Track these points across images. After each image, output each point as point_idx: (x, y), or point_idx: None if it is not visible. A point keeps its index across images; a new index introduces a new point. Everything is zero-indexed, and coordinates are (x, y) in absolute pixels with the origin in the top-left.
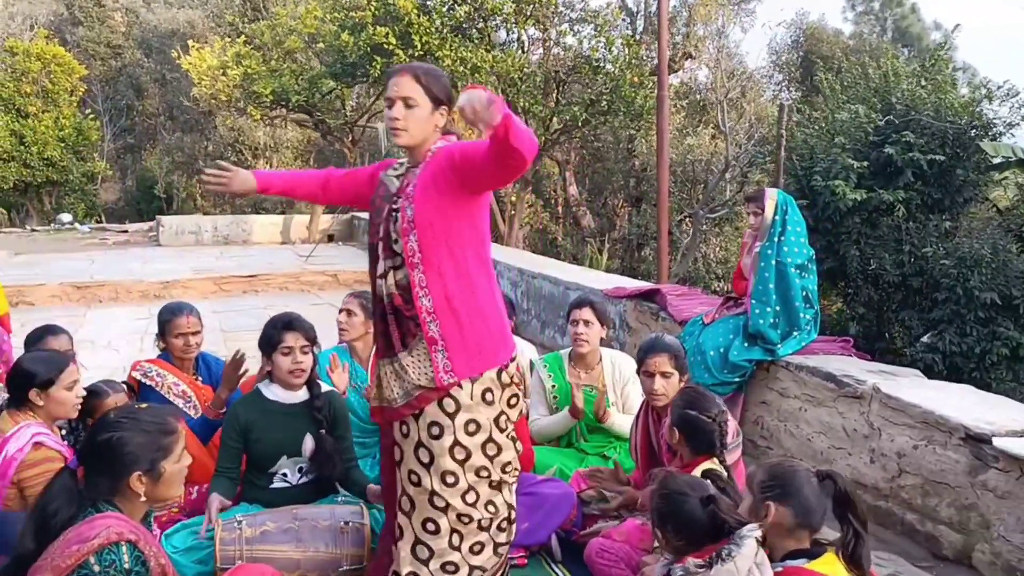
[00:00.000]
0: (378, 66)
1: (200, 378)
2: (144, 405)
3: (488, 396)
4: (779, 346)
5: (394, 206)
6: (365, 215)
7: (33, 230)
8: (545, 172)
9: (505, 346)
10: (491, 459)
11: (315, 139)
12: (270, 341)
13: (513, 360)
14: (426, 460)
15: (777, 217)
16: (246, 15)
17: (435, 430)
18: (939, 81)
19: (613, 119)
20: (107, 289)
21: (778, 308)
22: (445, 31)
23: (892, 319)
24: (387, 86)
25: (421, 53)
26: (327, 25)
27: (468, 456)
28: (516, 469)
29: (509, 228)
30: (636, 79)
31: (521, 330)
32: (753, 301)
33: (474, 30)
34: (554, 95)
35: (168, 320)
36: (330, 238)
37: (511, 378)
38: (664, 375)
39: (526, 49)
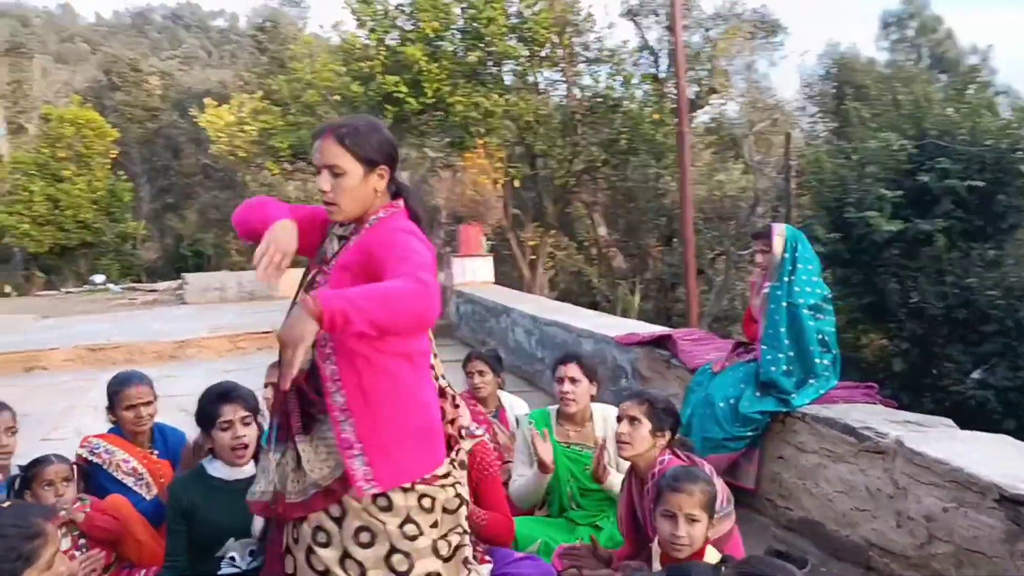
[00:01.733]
0: (389, 115)
1: (156, 452)
2: (7, 504)
3: (381, 501)
4: (794, 395)
5: (318, 277)
6: None
7: (67, 292)
8: (576, 214)
9: (433, 450)
10: (444, 560)
11: None
12: (206, 415)
13: (450, 458)
14: (320, 568)
15: (787, 255)
16: (272, 72)
17: (321, 536)
18: (974, 105)
19: (634, 158)
20: (122, 351)
21: (791, 353)
22: (457, 77)
23: (939, 354)
24: (312, 149)
25: (432, 100)
26: (343, 78)
27: (363, 572)
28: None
29: (532, 272)
30: (657, 116)
31: (536, 380)
32: (764, 347)
33: (487, 75)
34: (572, 137)
35: (117, 391)
36: None
37: (422, 482)
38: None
39: (541, 91)
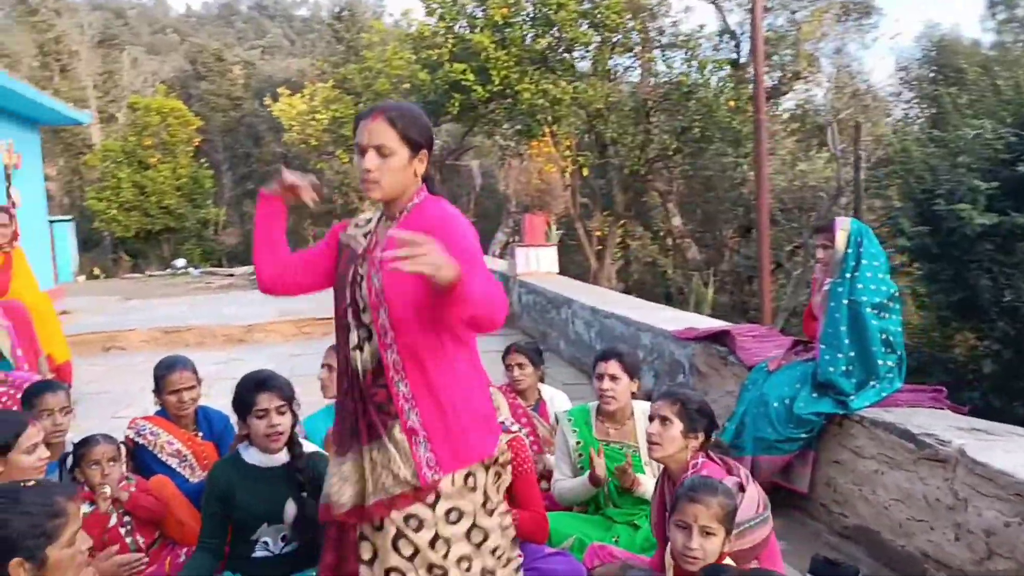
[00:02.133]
0: (456, 103)
1: (200, 434)
2: (31, 482)
3: (470, 482)
4: (853, 397)
5: (360, 270)
6: None
7: (150, 275)
8: (651, 203)
9: (492, 432)
10: (477, 546)
11: None
12: (243, 403)
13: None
14: (408, 553)
15: (850, 250)
16: (348, 60)
17: (413, 522)
18: None
19: (708, 146)
20: (193, 333)
21: (852, 354)
22: (525, 64)
23: None
24: (357, 130)
25: (500, 87)
26: (412, 66)
27: (449, 548)
28: (507, 555)
29: (599, 263)
30: (733, 103)
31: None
32: (823, 346)
33: (554, 61)
34: (644, 124)
35: (162, 376)
36: None
37: (494, 460)
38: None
39: (613, 78)
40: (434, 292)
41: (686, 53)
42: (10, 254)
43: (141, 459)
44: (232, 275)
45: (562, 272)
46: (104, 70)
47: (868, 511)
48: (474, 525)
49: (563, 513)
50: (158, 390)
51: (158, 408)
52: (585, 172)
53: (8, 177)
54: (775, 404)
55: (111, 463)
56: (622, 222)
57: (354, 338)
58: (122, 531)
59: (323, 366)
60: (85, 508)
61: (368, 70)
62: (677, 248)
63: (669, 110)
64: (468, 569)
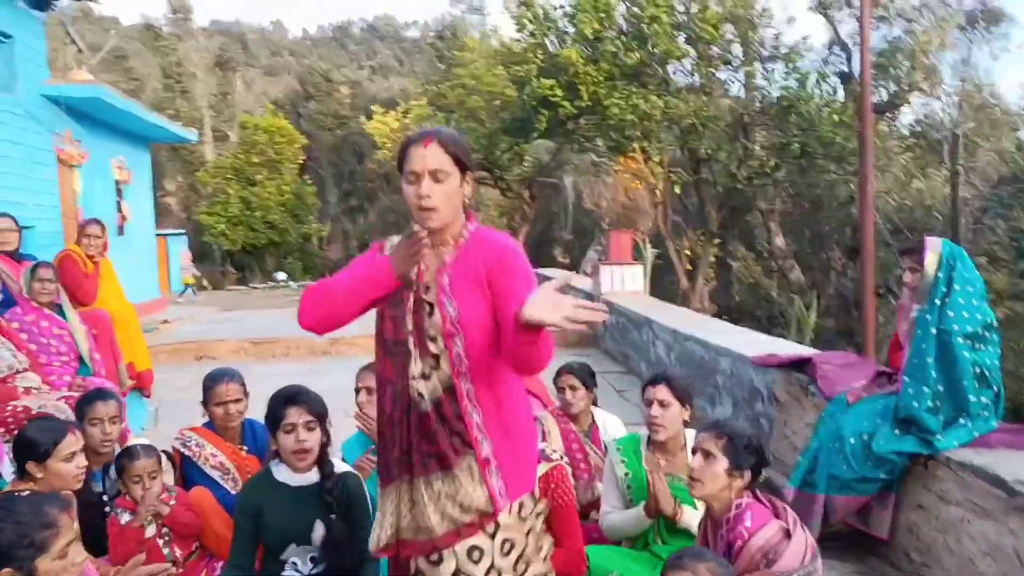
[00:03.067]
0: (544, 120)
1: (245, 448)
2: (27, 492)
3: (522, 512)
4: (939, 436)
5: (425, 296)
6: (550, 271)
7: (253, 287)
8: (754, 222)
9: (538, 460)
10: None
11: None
12: (273, 417)
13: None
14: None
15: (941, 274)
16: (448, 78)
17: (475, 554)
18: None
19: (807, 163)
20: (280, 345)
21: (939, 388)
22: (616, 79)
23: None
24: (408, 156)
25: (588, 103)
26: (503, 82)
27: (528, 567)
28: None
29: (691, 283)
30: (837, 117)
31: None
32: (906, 378)
33: (646, 75)
34: (741, 140)
35: (209, 387)
36: None
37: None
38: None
39: (708, 92)
40: (516, 328)
41: (787, 66)
42: (99, 264)
43: (186, 470)
44: None
45: (653, 293)
46: (219, 91)
47: (952, 563)
48: (520, 557)
49: (606, 547)
50: (205, 402)
51: (206, 420)
52: (678, 189)
53: (120, 192)
54: (851, 440)
55: (151, 477)
56: (716, 241)
57: (417, 367)
58: (160, 542)
59: (360, 389)
60: (126, 517)
61: (462, 87)
62: (779, 269)
63: (768, 125)
64: None
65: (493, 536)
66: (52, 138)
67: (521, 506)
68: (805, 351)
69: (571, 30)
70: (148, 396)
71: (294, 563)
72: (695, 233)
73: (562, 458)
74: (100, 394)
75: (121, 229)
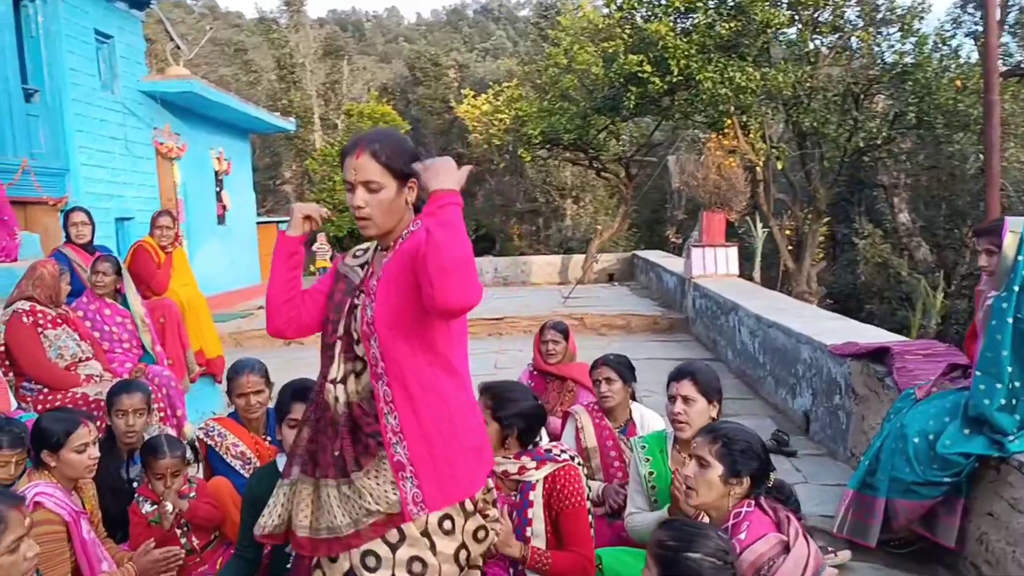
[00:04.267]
0: (633, 97)
1: (268, 438)
2: None
3: (446, 524)
4: (1012, 438)
5: (355, 300)
6: (648, 254)
7: None
8: (881, 197)
9: (482, 467)
10: None
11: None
12: (279, 410)
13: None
14: None
15: (1021, 257)
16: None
17: (370, 560)
18: None
19: (928, 133)
20: None
21: (1016, 384)
22: (710, 51)
23: None
24: (343, 166)
25: (679, 78)
26: (590, 60)
27: None
28: None
29: (797, 265)
30: (959, 83)
31: (758, 388)
32: (978, 373)
33: (743, 46)
34: (852, 111)
35: (231, 379)
36: (610, 277)
37: (475, 504)
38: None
39: (814, 61)
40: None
41: (904, 29)
42: (171, 254)
43: (211, 458)
44: None
45: (763, 276)
46: (328, 80)
47: None
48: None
49: (623, 550)
50: (229, 392)
51: (231, 409)
52: (780, 165)
53: (220, 182)
54: (915, 439)
55: (175, 475)
56: (826, 220)
57: (338, 370)
58: (178, 532)
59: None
60: (147, 507)
61: (555, 66)
62: (905, 247)
63: (879, 94)
64: None
65: (395, 547)
66: (151, 132)
67: (445, 518)
68: (889, 339)
69: (661, 2)
70: (219, 382)
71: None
72: (802, 212)
73: (572, 458)
74: (126, 386)
75: (221, 218)
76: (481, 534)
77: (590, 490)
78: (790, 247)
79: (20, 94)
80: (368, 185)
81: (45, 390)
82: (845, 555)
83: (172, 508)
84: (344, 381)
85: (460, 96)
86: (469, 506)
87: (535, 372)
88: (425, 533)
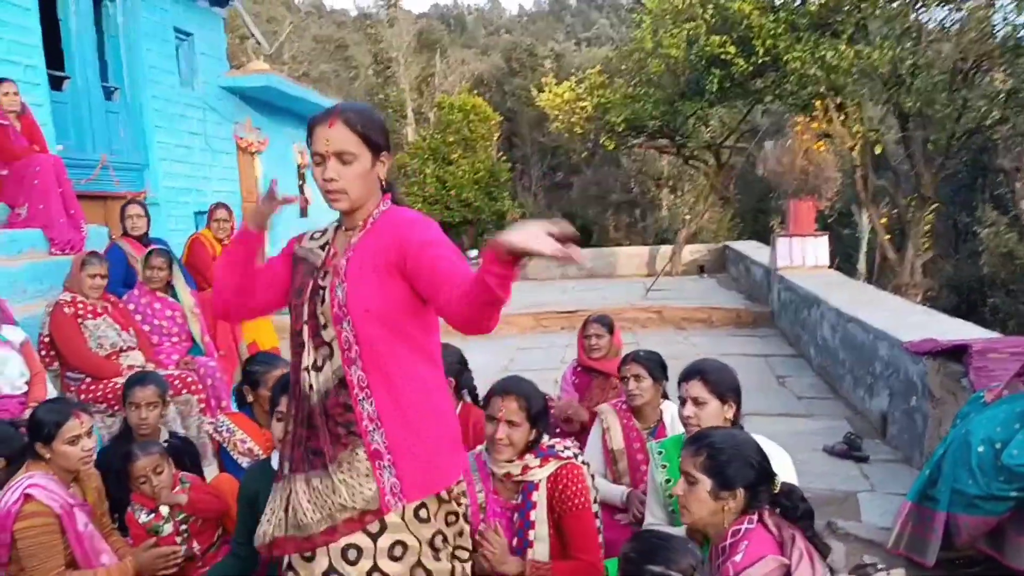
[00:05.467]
0: (715, 80)
1: None
2: None
3: (422, 513)
4: None
5: (320, 282)
6: (740, 245)
7: None
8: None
9: (458, 459)
10: None
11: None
12: (272, 403)
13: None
14: None
15: None
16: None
17: (352, 553)
18: None
19: None
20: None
21: None
22: (799, 29)
23: None
24: (313, 137)
25: (765, 59)
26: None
27: None
28: None
29: (899, 255)
30: None
31: (837, 387)
32: None
33: (836, 23)
34: (960, 90)
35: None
36: (701, 269)
37: (449, 493)
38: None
39: (917, 37)
40: (490, 263)
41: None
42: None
43: (221, 455)
44: None
45: (869, 269)
46: (423, 74)
47: None
48: (419, 564)
49: None
50: (252, 385)
51: (251, 401)
52: (879, 149)
53: (302, 176)
54: (979, 448)
55: (157, 472)
56: (932, 206)
57: (310, 358)
58: (178, 539)
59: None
60: (143, 516)
61: (640, 50)
62: None
63: (995, 70)
64: None
65: (376, 536)
66: (232, 127)
67: (421, 507)
68: (976, 335)
69: None
70: None
71: None
72: (905, 199)
73: (576, 456)
74: (140, 379)
75: (304, 211)
76: (451, 518)
77: (597, 491)
78: (889, 236)
79: (100, 92)
80: (342, 156)
81: (88, 379)
82: (898, 574)
83: (168, 509)
84: (318, 368)
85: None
86: (444, 495)
87: (579, 368)
88: (405, 520)
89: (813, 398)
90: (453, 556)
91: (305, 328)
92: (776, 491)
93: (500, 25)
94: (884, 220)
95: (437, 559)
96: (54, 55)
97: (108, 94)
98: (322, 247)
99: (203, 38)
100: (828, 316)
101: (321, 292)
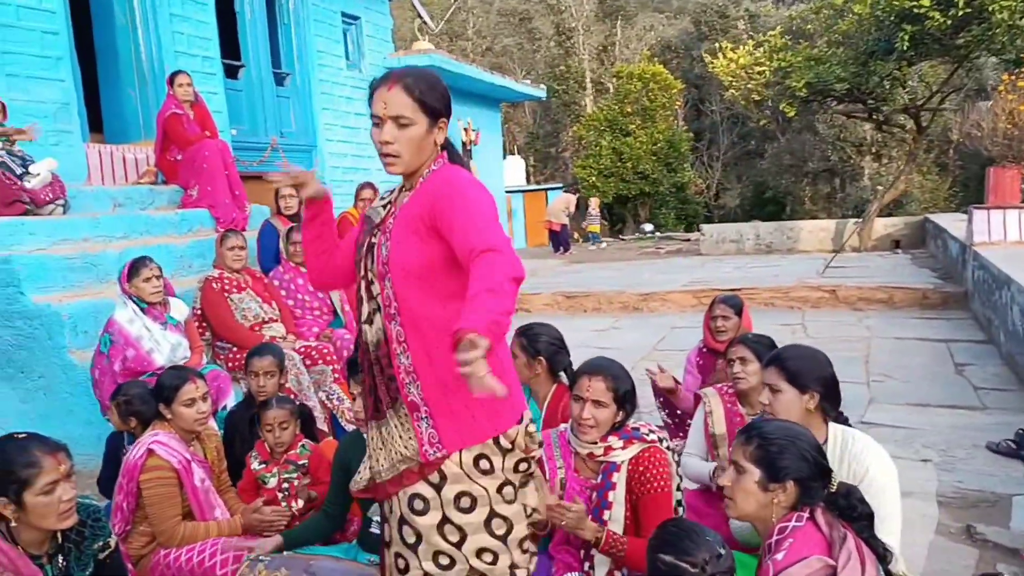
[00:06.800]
0: (906, 37)
1: None
2: (22, 435)
3: (483, 464)
4: None
5: (373, 240)
6: (940, 217)
7: (620, 239)
8: None
9: (511, 408)
10: (501, 539)
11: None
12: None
13: (521, 422)
14: (412, 540)
15: None
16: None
17: (418, 504)
18: None
19: None
20: (591, 300)
21: None
22: None
23: None
24: (373, 99)
25: (966, 11)
26: None
27: (464, 537)
28: (532, 550)
29: None
30: None
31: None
32: None
33: None
34: None
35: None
36: (896, 244)
37: (512, 442)
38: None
39: None
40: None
41: None
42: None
43: (333, 422)
44: (688, 240)
45: None
46: (605, 43)
47: None
48: (493, 514)
49: None
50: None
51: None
52: None
53: (468, 152)
54: None
55: (283, 427)
56: None
57: (365, 310)
58: (280, 495)
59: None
60: (255, 464)
61: (829, 7)
62: None
63: None
64: (493, 562)
65: (439, 487)
66: None
67: (481, 458)
68: None
69: None
70: None
71: (377, 521)
72: None
73: (661, 441)
74: (259, 350)
75: None
76: (522, 466)
77: (680, 479)
78: None
79: (271, 78)
80: (399, 120)
81: (235, 349)
82: None
83: (299, 504)
84: (370, 322)
85: (713, 50)
86: (505, 443)
87: (704, 350)
88: (464, 471)
89: (992, 389)
90: (524, 504)
91: (361, 283)
92: (833, 490)
93: None
94: None
95: (510, 503)
96: (230, 45)
97: (279, 80)
98: (384, 206)
99: (370, 20)
100: (1019, 299)
101: (372, 251)
